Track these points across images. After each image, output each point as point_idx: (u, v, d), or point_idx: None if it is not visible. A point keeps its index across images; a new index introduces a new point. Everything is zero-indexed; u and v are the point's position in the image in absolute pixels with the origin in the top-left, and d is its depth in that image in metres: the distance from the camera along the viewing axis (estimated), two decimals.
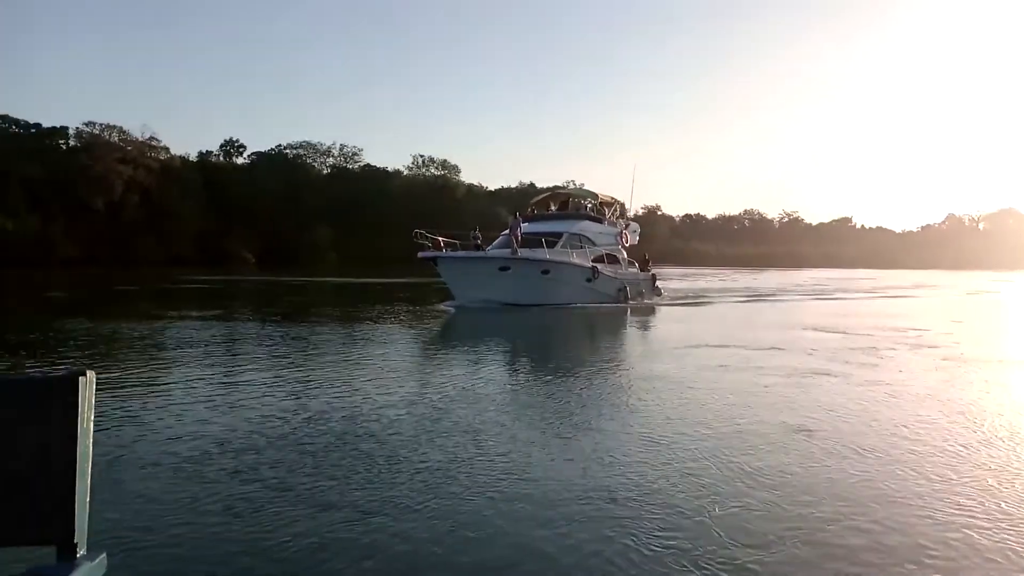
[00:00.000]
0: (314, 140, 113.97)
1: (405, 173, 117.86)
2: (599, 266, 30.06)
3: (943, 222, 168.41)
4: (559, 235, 29.46)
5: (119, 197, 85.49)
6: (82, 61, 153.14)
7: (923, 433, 8.60)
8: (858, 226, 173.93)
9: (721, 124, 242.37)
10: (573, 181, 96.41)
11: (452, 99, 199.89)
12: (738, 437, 8.22)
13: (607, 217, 33.27)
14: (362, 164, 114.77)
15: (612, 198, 35.00)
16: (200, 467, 6.85)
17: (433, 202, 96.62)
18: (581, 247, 30.04)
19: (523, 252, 27.77)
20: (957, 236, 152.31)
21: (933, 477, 6.83)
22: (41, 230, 78.79)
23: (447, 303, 27.41)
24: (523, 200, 39.45)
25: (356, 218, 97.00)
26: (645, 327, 24.06)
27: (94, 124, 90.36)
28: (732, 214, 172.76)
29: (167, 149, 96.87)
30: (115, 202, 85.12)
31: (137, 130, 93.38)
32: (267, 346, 16.35)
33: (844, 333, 20.70)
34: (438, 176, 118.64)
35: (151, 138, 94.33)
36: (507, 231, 29.39)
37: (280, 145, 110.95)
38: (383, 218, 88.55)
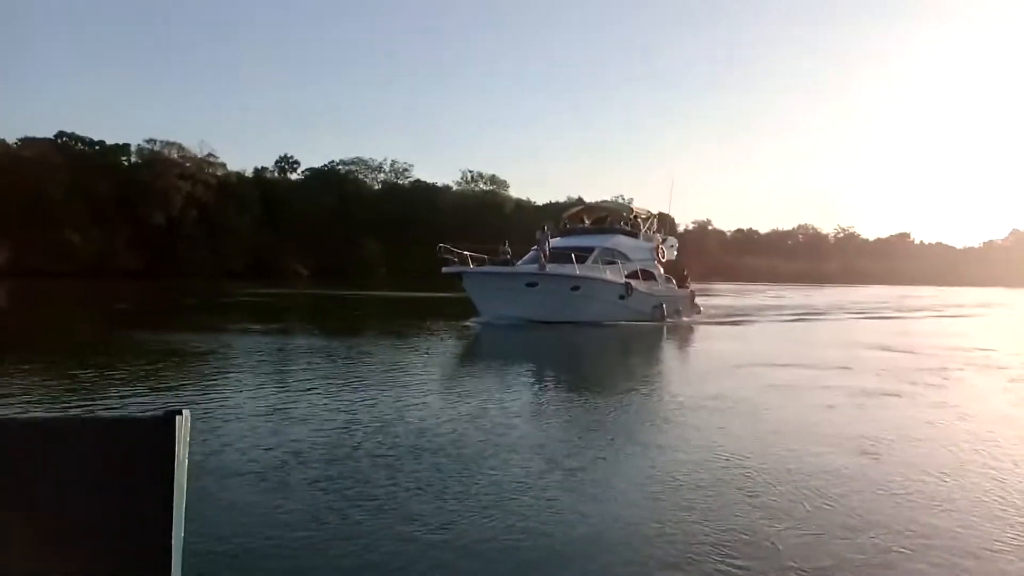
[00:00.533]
0: (366, 156, 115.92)
1: (454, 188, 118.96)
2: (633, 282, 28.91)
3: (1006, 238, 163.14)
4: (590, 250, 28.57)
5: (178, 212, 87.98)
6: (140, 79, 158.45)
7: (998, 457, 8.29)
8: (917, 242, 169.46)
9: (772, 135, 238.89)
10: (622, 196, 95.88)
11: (501, 114, 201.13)
12: (804, 460, 8.03)
13: (642, 231, 32.15)
14: (412, 180, 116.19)
15: (648, 211, 33.78)
16: (282, 476, 7.07)
17: (482, 217, 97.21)
18: (614, 262, 28.97)
19: (551, 267, 26.88)
20: (1021, 252, 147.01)
21: (1017, 506, 6.55)
22: (105, 243, 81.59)
23: (473, 320, 26.66)
24: None
25: (406, 233, 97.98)
26: (685, 346, 23.40)
27: (155, 141, 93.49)
28: (785, 229, 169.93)
29: (224, 165, 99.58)
30: (174, 217, 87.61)
31: (195, 147, 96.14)
32: (327, 359, 16.80)
33: (907, 353, 20.23)
34: (487, 191, 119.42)
35: (209, 155, 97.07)
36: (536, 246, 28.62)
37: (333, 161, 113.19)
38: (432, 233, 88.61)
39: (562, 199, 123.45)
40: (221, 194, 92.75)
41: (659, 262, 31.70)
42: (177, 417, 1.81)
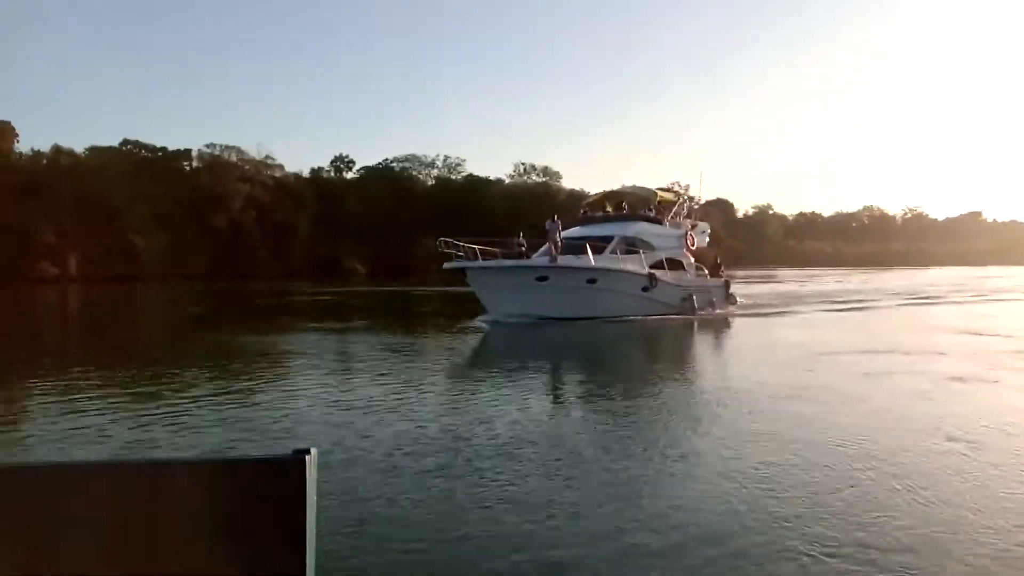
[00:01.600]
0: (419, 153, 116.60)
1: (507, 181, 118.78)
2: (658, 273, 26.93)
3: None
4: (609, 239, 26.67)
5: (238, 214, 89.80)
6: (198, 85, 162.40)
7: None
8: (989, 220, 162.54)
9: (837, 115, 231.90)
10: (678, 182, 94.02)
11: (552, 104, 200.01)
12: (905, 449, 7.85)
13: (668, 217, 29.89)
14: (465, 174, 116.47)
15: (676, 194, 31.48)
16: (393, 464, 7.49)
17: (534, 209, 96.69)
18: (636, 251, 26.94)
19: (564, 259, 25.15)
20: None
21: None
22: (168, 246, 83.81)
23: (481, 318, 24.91)
24: None
25: (460, 227, 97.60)
26: (718, 341, 21.69)
27: (215, 145, 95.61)
28: (850, 211, 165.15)
29: (282, 167, 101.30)
30: (235, 219, 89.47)
31: (253, 150, 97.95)
32: (401, 355, 17.34)
33: (993, 336, 19.18)
34: (539, 183, 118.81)
35: (267, 157, 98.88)
36: (563, 235, 26.70)
37: (387, 159, 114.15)
38: (486, 226, 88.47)
39: (615, 187, 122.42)
40: (279, 195, 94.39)
41: (688, 250, 29.57)
42: (307, 456, 1.93)
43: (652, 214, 29.36)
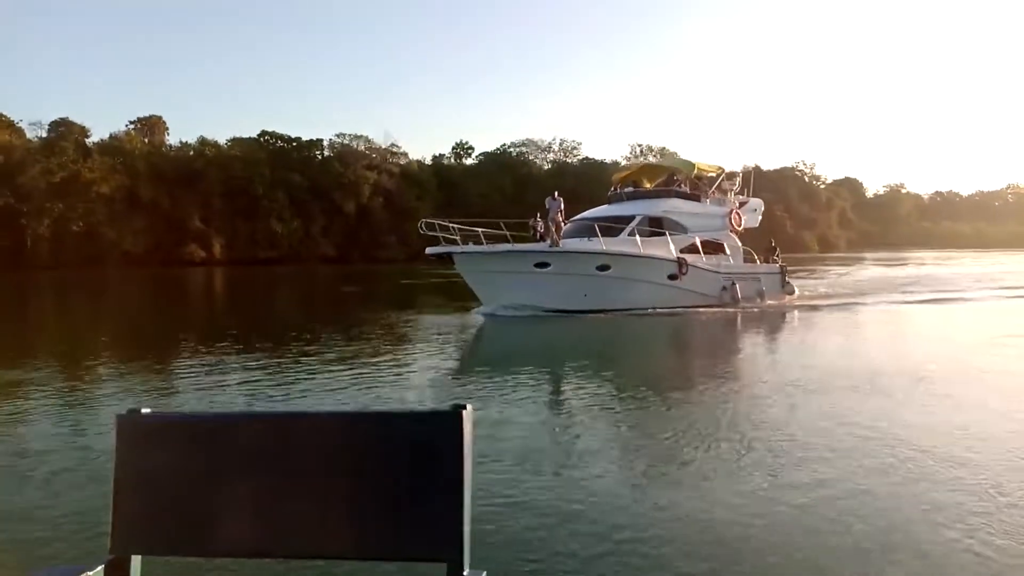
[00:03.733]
0: (535, 137, 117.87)
1: (623, 163, 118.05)
2: (689, 257, 23.57)
3: None
4: (629, 219, 23.57)
5: (367, 200, 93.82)
6: (330, 77, 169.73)
7: None
8: None
9: (975, 83, 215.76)
10: (803, 161, 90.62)
11: (672, 80, 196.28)
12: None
13: (710, 193, 26.19)
14: (581, 157, 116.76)
15: (719, 168, 27.92)
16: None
17: None
18: (662, 233, 23.61)
19: (570, 243, 22.54)
20: None
21: None
22: (303, 231, 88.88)
23: (477, 310, 22.49)
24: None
25: (576, 210, 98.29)
26: (764, 338, 18.55)
27: (344, 135, 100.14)
28: (992, 189, 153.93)
29: (406, 154, 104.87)
30: (363, 205, 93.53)
31: (380, 138, 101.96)
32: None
33: None
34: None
35: (392, 145, 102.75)
36: (577, 216, 24.94)
37: (504, 144, 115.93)
38: None
39: (737, 168, 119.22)
40: (404, 182, 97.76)
41: (734, 231, 25.88)
42: (463, 411, 1.92)
43: (686, 189, 25.92)
